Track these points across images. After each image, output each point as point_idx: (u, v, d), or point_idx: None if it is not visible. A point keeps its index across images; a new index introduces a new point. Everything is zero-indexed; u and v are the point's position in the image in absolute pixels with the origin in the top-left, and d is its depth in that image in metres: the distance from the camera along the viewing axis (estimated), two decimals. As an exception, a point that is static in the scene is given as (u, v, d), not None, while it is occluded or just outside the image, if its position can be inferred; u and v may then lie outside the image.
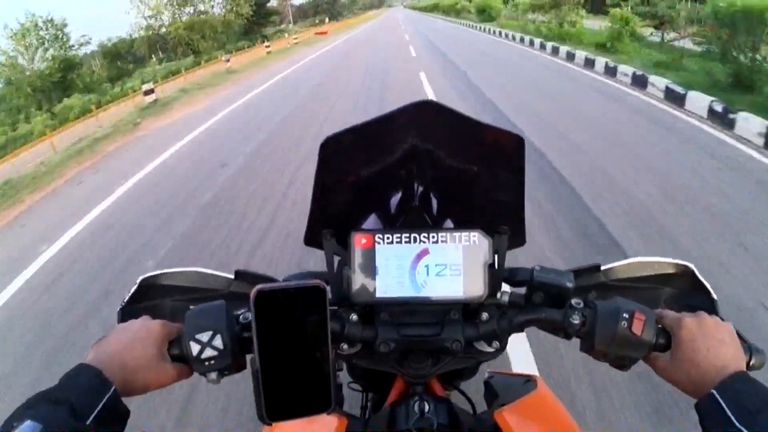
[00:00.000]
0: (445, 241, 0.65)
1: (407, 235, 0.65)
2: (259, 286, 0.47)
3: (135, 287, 0.70)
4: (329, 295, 0.51)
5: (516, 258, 2.24)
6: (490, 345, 0.67)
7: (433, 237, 0.65)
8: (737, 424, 0.45)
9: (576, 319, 0.59)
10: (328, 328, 0.49)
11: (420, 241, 0.65)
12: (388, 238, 0.64)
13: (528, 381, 0.77)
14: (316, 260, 2.80)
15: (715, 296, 0.69)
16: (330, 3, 73.66)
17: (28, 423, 0.41)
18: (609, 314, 0.57)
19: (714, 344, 0.53)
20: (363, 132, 0.62)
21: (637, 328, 0.55)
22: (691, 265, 0.71)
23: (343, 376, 0.99)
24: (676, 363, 0.54)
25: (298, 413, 0.50)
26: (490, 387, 0.78)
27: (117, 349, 0.52)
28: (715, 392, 0.48)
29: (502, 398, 0.73)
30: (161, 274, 0.72)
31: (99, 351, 0.52)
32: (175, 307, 0.72)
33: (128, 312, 0.68)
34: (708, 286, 0.69)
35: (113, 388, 0.48)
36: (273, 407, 0.49)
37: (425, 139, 0.66)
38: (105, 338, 0.55)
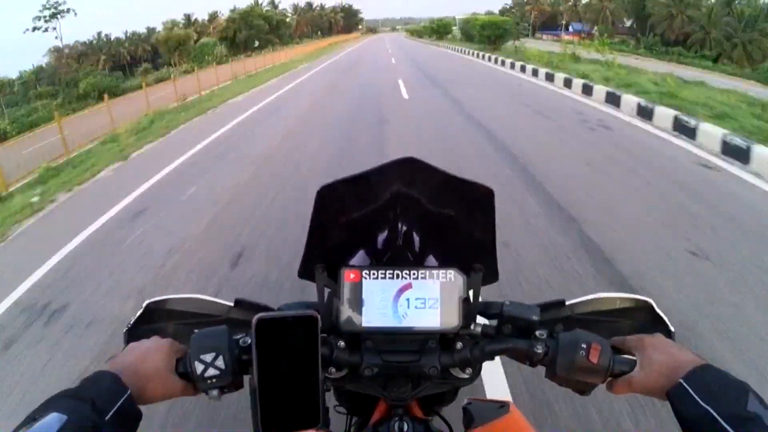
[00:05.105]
0: (425, 278, 0.71)
1: (391, 271, 0.71)
2: (259, 315, 0.54)
3: (141, 311, 0.75)
4: (320, 324, 0.58)
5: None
6: (464, 371, 0.73)
7: (414, 274, 0.71)
8: (702, 404, 0.51)
9: (540, 349, 0.66)
10: (318, 353, 0.56)
11: (402, 277, 0.71)
12: (374, 273, 0.71)
13: (502, 406, 0.83)
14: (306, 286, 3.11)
15: (672, 328, 0.74)
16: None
17: (53, 414, 0.46)
18: (569, 344, 0.63)
19: (675, 351, 0.61)
20: (354, 181, 0.70)
21: (593, 356, 0.62)
22: (650, 300, 0.77)
23: (329, 400, 1.04)
24: (645, 373, 0.61)
25: (289, 427, 0.56)
26: (468, 412, 0.84)
27: (131, 361, 0.58)
28: (682, 381, 0.55)
29: (478, 422, 0.79)
30: (165, 299, 0.77)
31: (115, 362, 0.58)
32: (178, 330, 0.77)
33: (134, 333, 0.72)
34: (666, 319, 0.75)
35: (128, 392, 0.53)
36: (268, 422, 0.55)
37: (408, 186, 0.74)
38: (119, 354, 0.61)
